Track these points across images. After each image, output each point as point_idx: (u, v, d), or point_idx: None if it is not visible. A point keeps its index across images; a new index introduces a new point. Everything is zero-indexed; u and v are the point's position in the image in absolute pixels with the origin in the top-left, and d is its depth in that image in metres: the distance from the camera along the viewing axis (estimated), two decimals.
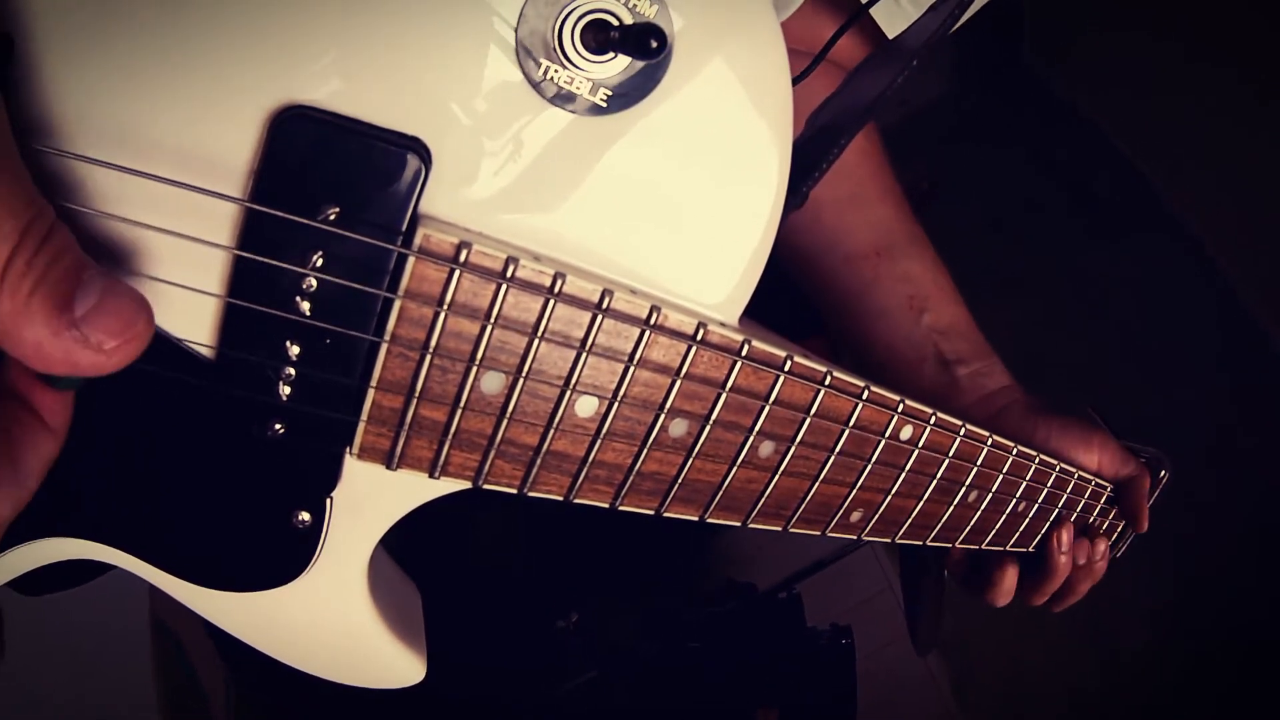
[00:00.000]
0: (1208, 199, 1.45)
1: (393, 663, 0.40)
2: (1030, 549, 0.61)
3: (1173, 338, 1.51)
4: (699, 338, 0.33)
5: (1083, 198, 1.66)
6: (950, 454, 0.46)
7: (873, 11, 0.54)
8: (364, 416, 0.31)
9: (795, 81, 0.32)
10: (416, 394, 0.31)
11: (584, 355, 0.32)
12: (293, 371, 0.30)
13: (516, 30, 0.27)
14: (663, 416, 0.35)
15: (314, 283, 0.28)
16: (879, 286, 0.63)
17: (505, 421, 0.32)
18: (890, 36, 0.55)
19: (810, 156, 0.42)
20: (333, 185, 0.27)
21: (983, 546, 0.56)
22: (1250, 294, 1.41)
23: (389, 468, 0.33)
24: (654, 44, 0.26)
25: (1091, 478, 0.60)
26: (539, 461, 0.34)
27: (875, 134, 0.68)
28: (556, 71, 0.28)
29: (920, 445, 0.44)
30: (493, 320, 0.30)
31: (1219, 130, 1.38)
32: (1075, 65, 1.66)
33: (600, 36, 0.27)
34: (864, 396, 0.39)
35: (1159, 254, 1.53)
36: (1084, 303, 1.60)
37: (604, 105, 0.29)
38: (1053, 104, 1.70)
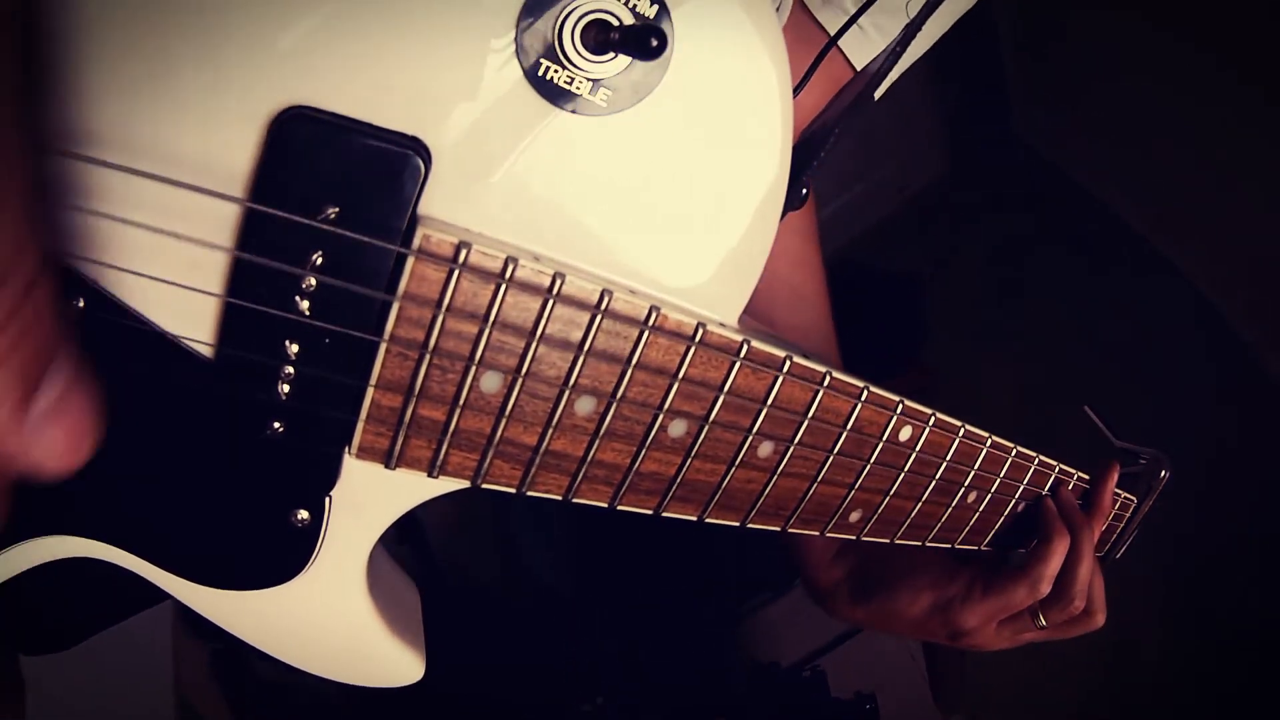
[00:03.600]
0: (1193, 236, 1.49)
1: (391, 661, 0.40)
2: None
3: (1170, 378, 1.55)
4: (698, 338, 0.33)
5: (1077, 249, 1.72)
6: (949, 455, 0.46)
7: (841, 44, 0.57)
8: (363, 416, 0.31)
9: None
10: (415, 393, 0.31)
11: (583, 355, 0.32)
12: (292, 371, 0.30)
13: (517, 30, 0.27)
14: (661, 417, 0.35)
15: (313, 282, 0.28)
16: None
17: (504, 421, 0.32)
18: (859, 67, 0.59)
19: (802, 157, 0.42)
20: (332, 185, 0.27)
21: (981, 547, 0.56)
22: (1241, 321, 1.45)
23: (388, 467, 0.33)
24: (654, 43, 0.26)
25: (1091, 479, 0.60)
26: (537, 461, 0.34)
27: (818, 247, 0.72)
28: (556, 71, 0.28)
29: (919, 446, 0.44)
30: (492, 320, 0.30)
31: (1203, 166, 1.41)
32: (1062, 128, 1.72)
33: (600, 36, 0.27)
34: (863, 397, 0.39)
35: (1153, 298, 1.56)
36: (1086, 360, 1.64)
37: (604, 105, 0.29)
38: (1043, 166, 1.76)
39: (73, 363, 0.20)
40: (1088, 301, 1.68)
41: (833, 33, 0.54)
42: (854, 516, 0.46)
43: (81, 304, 0.27)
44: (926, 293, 1.82)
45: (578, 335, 0.32)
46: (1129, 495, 0.66)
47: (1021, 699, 1.51)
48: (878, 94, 0.59)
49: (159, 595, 0.35)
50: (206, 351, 0.29)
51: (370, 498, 0.35)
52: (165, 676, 0.82)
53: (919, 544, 0.52)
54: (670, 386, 0.34)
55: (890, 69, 0.44)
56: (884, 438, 0.42)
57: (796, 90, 0.47)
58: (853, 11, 0.55)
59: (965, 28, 0.60)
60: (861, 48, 0.59)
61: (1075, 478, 0.58)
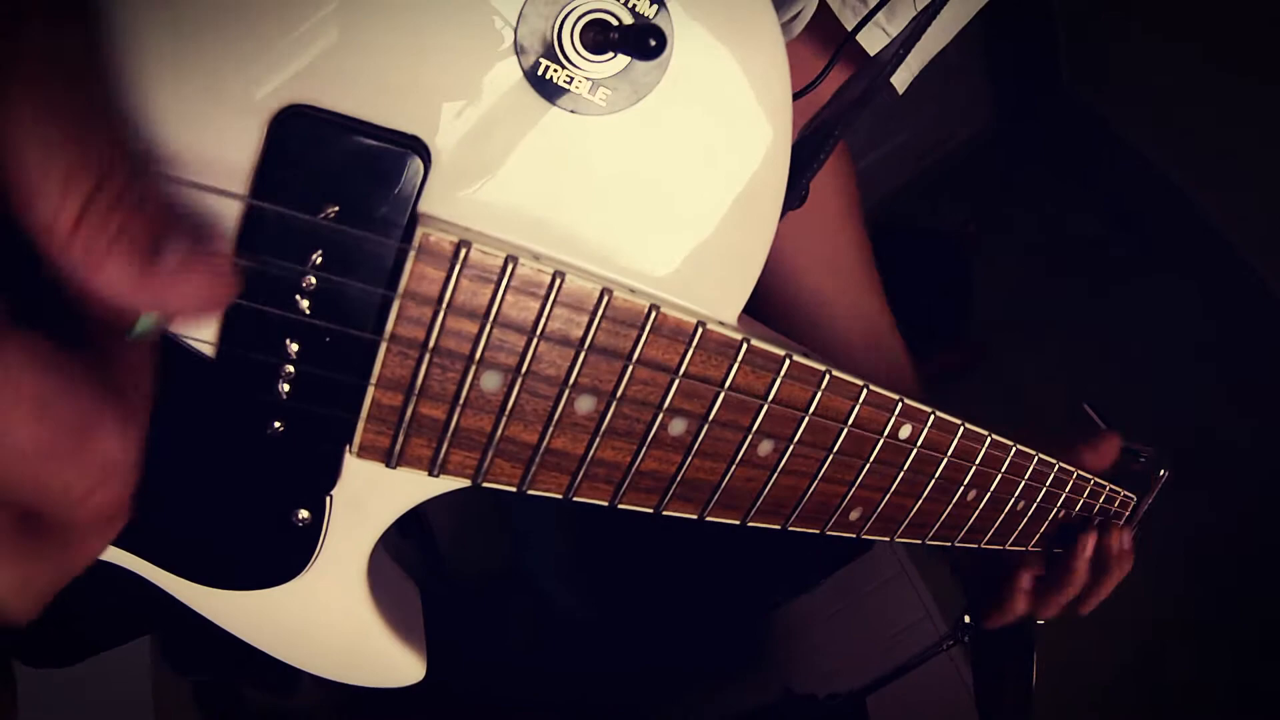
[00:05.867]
0: (1243, 204, 1.48)
1: (393, 661, 0.40)
2: (1038, 548, 0.62)
3: (1171, 372, 1.54)
4: (698, 336, 0.33)
5: (1125, 224, 1.70)
6: (949, 453, 0.47)
7: (859, 38, 0.58)
8: (363, 415, 0.31)
9: (795, 97, 0.32)
10: (416, 392, 0.31)
11: (583, 354, 0.32)
12: (292, 369, 0.30)
13: (516, 29, 0.27)
14: (661, 415, 0.35)
15: (314, 281, 0.28)
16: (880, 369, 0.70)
17: (504, 420, 0.33)
18: (872, 54, 0.60)
19: (803, 156, 0.42)
20: (332, 184, 0.27)
21: (982, 545, 0.57)
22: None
23: (388, 466, 0.33)
24: (653, 44, 0.27)
25: (1091, 475, 0.60)
26: (538, 460, 0.34)
27: (860, 217, 0.73)
28: (556, 71, 0.28)
29: (919, 444, 0.44)
30: (492, 319, 0.30)
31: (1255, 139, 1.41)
32: (1113, 85, 1.69)
33: (600, 36, 0.27)
34: (862, 396, 0.40)
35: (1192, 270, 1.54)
36: (1125, 339, 1.63)
37: (603, 105, 0.29)
38: (1091, 125, 1.73)
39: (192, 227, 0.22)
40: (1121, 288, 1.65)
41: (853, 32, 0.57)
42: (854, 515, 0.46)
43: None
44: (973, 252, 1.73)
45: (578, 334, 0.32)
46: (1129, 493, 0.66)
47: None
48: (902, 88, 0.61)
49: (149, 620, 0.34)
50: (207, 350, 0.29)
51: (371, 497, 0.35)
52: (146, 713, 0.82)
53: (919, 541, 0.52)
54: (670, 385, 0.34)
55: (901, 61, 0.45)
56: (884, 436, 0.42)
57: (815, 83, 0.48)
58: (871, 5, 0.57)
59: None
60: (875, 40, 0.60)
61: (1075, 475, 0.58)
